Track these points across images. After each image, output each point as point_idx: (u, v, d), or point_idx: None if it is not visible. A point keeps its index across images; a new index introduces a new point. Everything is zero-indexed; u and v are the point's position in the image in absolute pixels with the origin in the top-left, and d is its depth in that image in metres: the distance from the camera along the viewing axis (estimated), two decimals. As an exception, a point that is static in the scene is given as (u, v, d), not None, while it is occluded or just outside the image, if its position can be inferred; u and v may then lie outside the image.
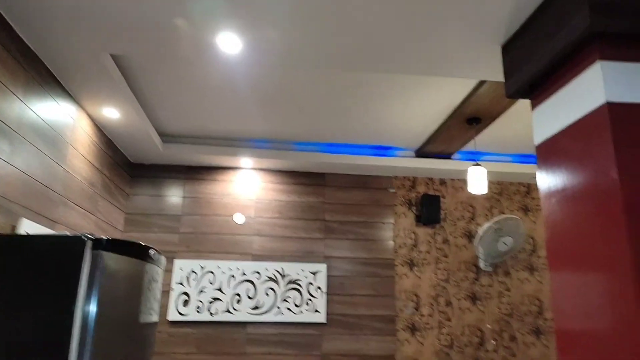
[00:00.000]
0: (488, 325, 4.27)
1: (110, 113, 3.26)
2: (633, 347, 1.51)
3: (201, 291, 4.04)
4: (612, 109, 1.69)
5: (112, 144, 3.77)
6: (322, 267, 4.22)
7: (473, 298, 4.34)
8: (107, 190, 3.71)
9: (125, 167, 4.15)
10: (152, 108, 3.53)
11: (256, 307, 4.05)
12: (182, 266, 4.08)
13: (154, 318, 2.02)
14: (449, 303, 4.30)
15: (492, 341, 4.24)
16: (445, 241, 4.46)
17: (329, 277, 4.23)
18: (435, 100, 3.34)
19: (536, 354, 4.24)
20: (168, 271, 4.08)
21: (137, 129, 3.54)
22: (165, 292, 4.02)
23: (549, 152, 2.07)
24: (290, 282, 4.15)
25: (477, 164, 3.53)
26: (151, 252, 1.80)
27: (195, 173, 4.39)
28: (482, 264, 4.34)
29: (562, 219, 1.95)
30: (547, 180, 2.07)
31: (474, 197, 4.60)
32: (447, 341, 4.20)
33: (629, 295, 1.54)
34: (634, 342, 1.51)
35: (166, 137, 4.05)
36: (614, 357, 1.60)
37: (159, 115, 3.67)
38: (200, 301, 4.01)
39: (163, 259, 2.07)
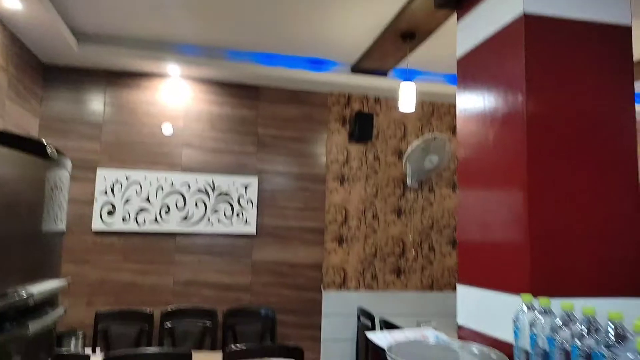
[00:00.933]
0: (410, 237, 4.55)
1: (12, 2, 2.89)
2: (521, 257, 1.66)
3: (127, 201, 3.94)
4: (528, 20, 1.69)
5: (18, 40, 3.39)
6: (253, 180, 4.22)
7: (398, 212, 4.56)
8: (16, 91, 3.39)
9: (37, 68, 3.78)
10: (64, 1, 3.16)
11: (185, 218, 4.04)
12: (105, 175, 3.93)
13: (60, 226, 1.92)
14: (375, 216, 4.50)
15: (412, 250, 4.54)
16: (376, 158, 4.57)
17: (260, 190, 4.25)
18: (370, 12, 3.23)
19: (451, 263, 4.62)
20: (90, 180, 3.92)
21: (44, 23, 3.18)
22: (88, 202, 3.89)
23: (468, 67, 2.08)
24: (221, 194, 4.13)
25: (409, 82, 3.53)
26: (49, 149, 1.64)
27: (117, 78, 4.09)
28: (409, 181, 4.52)
29: (472, 136, 2.01)
30: (464, 97, 2.10)
31: (407, 116, 4.67)
32: (371, 251, 4.45)
33: (522, 210, 1.65)
34: (522, 251, 1.65)
35: (82, 36, 3.68)
36: (505, 266, 1.75)
37: (73, 11, 3.30)
38: (127, 211, 3.93)
39: (68, 162, 1.94)
